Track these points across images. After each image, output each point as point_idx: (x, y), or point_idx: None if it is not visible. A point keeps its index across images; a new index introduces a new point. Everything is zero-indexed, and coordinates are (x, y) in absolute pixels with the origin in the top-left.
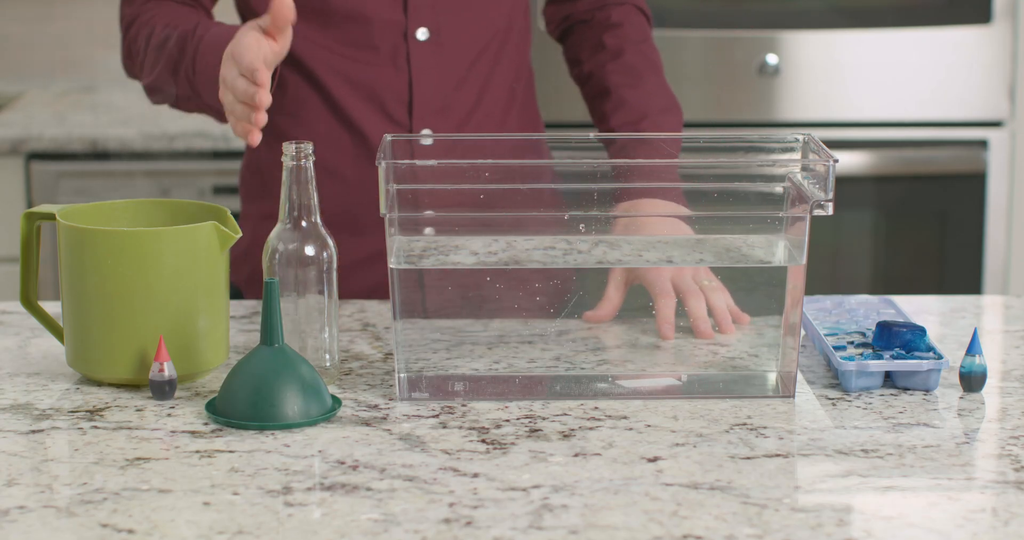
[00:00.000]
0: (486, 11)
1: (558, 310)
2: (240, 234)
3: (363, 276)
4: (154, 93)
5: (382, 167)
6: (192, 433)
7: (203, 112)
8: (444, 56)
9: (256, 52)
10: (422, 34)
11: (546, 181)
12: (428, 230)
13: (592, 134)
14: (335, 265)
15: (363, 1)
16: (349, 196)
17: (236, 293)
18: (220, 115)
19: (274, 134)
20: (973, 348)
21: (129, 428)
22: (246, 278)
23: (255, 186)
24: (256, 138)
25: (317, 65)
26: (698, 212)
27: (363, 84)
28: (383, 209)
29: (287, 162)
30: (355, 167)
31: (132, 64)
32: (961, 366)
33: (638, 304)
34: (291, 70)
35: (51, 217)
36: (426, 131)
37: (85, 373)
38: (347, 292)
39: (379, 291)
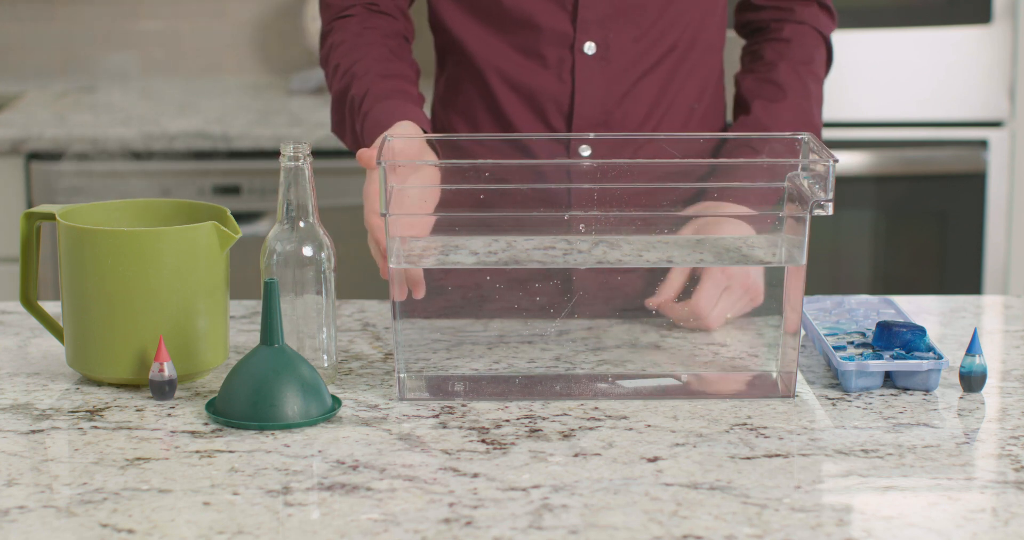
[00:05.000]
0: (659, 28)
1: (558, 310)
2: (240, 234)
3: None
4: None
5: (382, 167)
6: (192, 433)
7: None
8: (610, 70)
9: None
10: (589, 48)
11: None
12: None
13: (592, 134)
14: (333, 265)
15: (534, 9)
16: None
17: None
18: None
19: (446, 131)
20: (973, 348)
21: (129, 428)
22: None
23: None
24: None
25: (486, 68)
26: (697, 212)
27: (526, 90)
28: (382, 209)
29: (284, 163)
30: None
31: (325, 76)
32: (961, 366)
33: (638, 304)
34: (463, 70)
35: (51, 217)
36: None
37: (85, 373)
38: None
39: None
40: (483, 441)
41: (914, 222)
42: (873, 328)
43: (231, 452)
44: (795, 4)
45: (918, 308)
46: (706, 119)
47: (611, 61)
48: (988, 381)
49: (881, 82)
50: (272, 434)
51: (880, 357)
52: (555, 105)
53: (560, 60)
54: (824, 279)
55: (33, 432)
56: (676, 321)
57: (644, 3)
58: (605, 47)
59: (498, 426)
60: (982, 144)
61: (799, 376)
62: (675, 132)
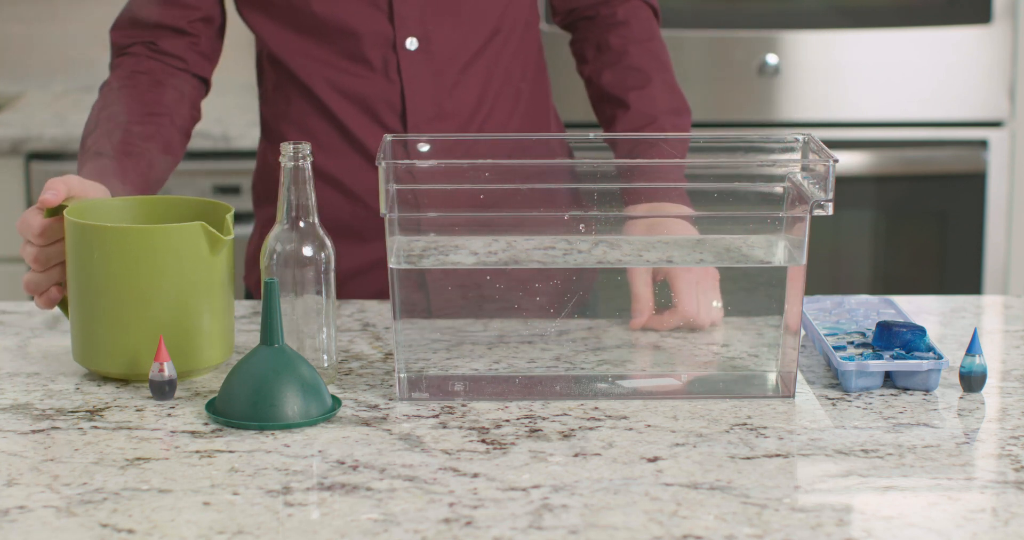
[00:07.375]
0: (477, 14)
1: (558, 310)
2: (231, 235)
3: (366, 282)
4: None
5: (382, 167)
6: (192, 433)
7: None
8: (435, 63)
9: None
10: (411, 44)
11: (548, 180)
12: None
13: (592, 134)
14: (333, 266)
15: (350, 15)
16: (352, 204)
17: (249, 296)
18: None
19: (280, 140)
20: (973, 348)
21: (129, 428)
22: (256, 282)
23: (263, 191)
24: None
25: (312, 79)
26: (698, 212)
27: (357, 96)
28: (383, 209)
29: (285, 163)
30: (356, 176)
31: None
32: (961, 366)
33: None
34: (290, 83)
35: (58, 211)
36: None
37: (90, 367)
38: (349, 298)
39: (382, 297)
40: (483, 441)
41: (914, 222)
42: (873, 328)
43: (231, 452)
44: None
45: (918, 308)
46: (535, 97)
47: (435, 54)
48: (988, 381)
49: (881, 82)
50: (272, 434)
51: (880, 357)
52: (387, 106)
53: (385, 60)
54: (824, 279)
55: (33, 432)
56: (671, 330)
57: None
58: (427, 41)
59: (498, 426)
60: (982, 144)
61: (799, 376)
62: (638, 129)
